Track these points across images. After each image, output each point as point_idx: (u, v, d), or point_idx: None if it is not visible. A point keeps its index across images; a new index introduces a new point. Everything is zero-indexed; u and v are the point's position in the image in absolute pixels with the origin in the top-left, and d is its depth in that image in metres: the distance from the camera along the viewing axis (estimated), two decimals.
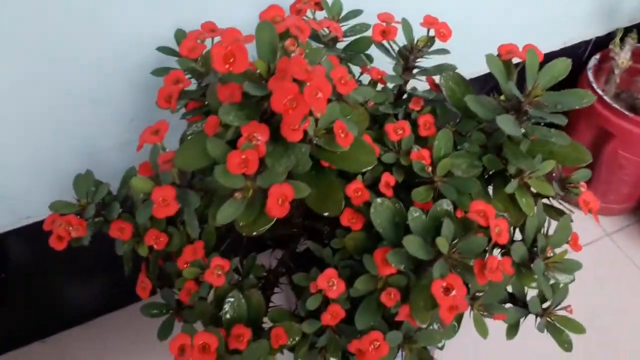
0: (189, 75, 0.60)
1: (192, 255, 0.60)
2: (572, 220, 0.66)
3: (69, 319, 1.01)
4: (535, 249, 0.61)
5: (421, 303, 0.54)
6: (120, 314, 1.04)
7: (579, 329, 0.64)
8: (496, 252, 0.65)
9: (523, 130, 0.58)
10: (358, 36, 0.66)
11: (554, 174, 0.69)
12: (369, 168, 0.51)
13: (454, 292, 0.50)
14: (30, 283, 0.91)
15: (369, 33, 0.65)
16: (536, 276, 0.61)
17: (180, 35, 0.65)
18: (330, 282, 0.57)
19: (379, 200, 0.56)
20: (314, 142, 0.50)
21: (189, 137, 0.51)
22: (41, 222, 0.62)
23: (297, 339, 0.58)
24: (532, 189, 0.61)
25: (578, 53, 1.13)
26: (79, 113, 0.73)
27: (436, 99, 0.65)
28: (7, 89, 0.67)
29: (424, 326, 0.55)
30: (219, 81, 0.50)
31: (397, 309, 0.55)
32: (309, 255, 0.72)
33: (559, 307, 0.66)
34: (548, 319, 0.65)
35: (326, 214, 0.51)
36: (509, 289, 0.66)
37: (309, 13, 0.68)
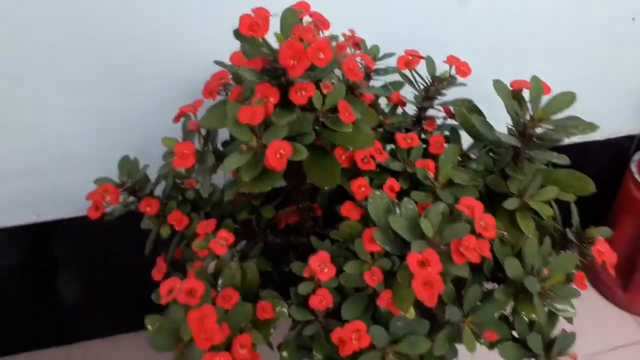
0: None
1: (204, 229, 0.66)
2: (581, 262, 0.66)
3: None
4: (532, 270, 0.61)
5: (404, 289, 0.55)
6: None
7: None
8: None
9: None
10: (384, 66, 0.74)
11: (572, 230, 0.70)
12: (367, 148, 0.56)
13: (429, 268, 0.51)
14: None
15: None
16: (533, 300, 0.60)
17: None
18: (321, 265, 0.60)
19: (377, 192, 0.60)
20: (320, 119, 0.56)
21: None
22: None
23: (280, 309, 0.60)
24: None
25: (623, 147, 1.15)
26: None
27: (449, 126, 0.70)
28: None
29: (407, 315, 0.56)
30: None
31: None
32: None
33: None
34: None
35: (326, 187, 0.56)
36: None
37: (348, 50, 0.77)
